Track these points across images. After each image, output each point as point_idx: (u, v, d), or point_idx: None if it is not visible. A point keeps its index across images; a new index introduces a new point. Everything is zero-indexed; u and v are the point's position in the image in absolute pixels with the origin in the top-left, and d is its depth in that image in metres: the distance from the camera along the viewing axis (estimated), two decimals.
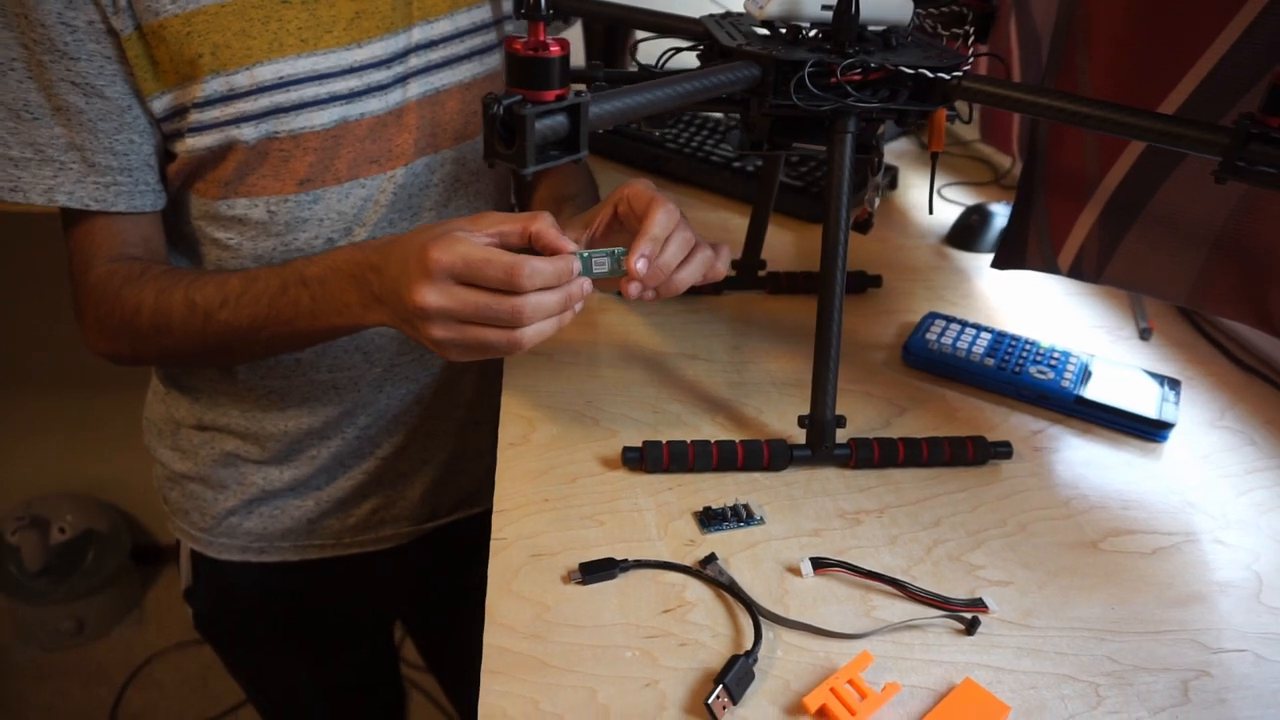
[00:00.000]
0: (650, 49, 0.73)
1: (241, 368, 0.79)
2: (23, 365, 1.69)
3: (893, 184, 1.11)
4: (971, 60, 0.65)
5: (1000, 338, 0.77)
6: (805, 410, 0.65)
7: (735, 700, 0.48)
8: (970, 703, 0.49)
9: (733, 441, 0.64)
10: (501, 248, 0.57)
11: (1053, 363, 0.75)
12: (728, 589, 0.55)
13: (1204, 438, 0.72)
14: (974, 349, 0.75)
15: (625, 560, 0.56)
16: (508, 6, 0.82)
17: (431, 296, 0.55)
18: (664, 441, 0.64)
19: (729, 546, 0.58)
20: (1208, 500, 0.65)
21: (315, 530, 0.88)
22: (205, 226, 0.74)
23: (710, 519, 0.60)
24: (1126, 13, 0.66)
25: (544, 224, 0.58)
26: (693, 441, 0.64)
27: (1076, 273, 0.77)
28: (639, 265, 0.58)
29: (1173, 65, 0.63)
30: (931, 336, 0.77)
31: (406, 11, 0.74)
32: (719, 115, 1.18)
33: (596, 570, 0.55)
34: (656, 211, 0.59)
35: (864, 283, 0.88)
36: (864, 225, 0.73)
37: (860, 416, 0.71)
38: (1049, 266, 0.79)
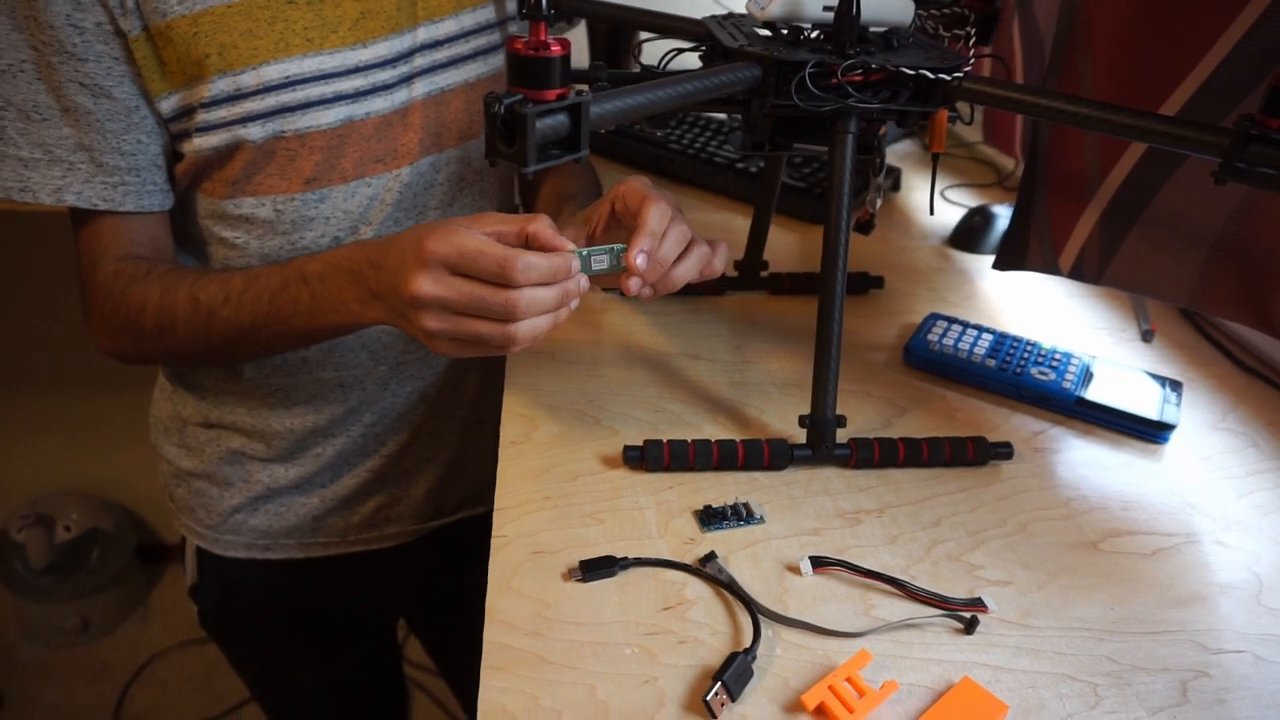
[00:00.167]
0: (654, 50, 0.74)
1: (248, 366, 0.80)
2: (28, 364, 1.70)
3: (896, 185, 1.11)
4: (972, 61, 0.65)
5: (1002, 339, 0.77)
6: (806, 410, 0.65)
7: (734, 697, 0.48)
8: (968, 701, 0.49)
9: (733, 441, 0.64)
10: None
11: (1054, 364, 0.75)
12: (727, 587, 0.55)
13: (1205, 439, 0.72)
14: (975, 350, 0.75)
15: (625, 558, 0.56)
16: (512, 7, 0.82)
17: (426, 285, 0.55)
18: (665, 440, 0.64)
19: (729, 545, 0.58)
20: (1208, 502, 0.65)
21: (320, 528, 0.88)
22: (212, 226, 0.75)
23: (710, 518, 0.60)
24: (1128, 14, 0.66)
25: (541, 225, 0.58)
26: (693, 441, 0.64)
27: (1077, 274, 0.77)
28: (638, 260, 0.59)
29: (1174, 67, 0.63)
30: (933, 337, 0.77)
31: (411, 12, 0.74)
32: (722, 116, 1.19)
33: (596, 568, 0.55)
34: (650, 207, 0.60)
35: (866, 284, 0.88)
36: (866, 226, 0.73)
37: (861, 417, 0.71)
38: (1050, 268, 0.79)
